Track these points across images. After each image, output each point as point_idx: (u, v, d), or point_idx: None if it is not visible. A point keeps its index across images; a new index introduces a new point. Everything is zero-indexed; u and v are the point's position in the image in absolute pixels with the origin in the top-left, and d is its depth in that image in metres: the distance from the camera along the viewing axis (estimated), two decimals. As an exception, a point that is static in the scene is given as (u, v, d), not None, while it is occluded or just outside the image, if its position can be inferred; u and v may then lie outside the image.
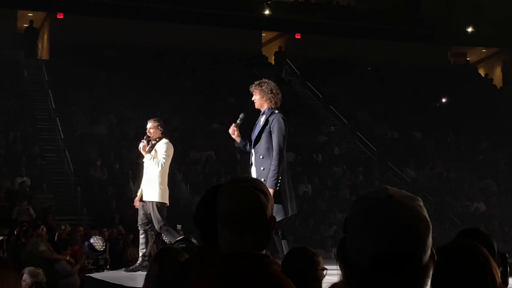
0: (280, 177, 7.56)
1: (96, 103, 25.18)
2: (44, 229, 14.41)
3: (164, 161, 9.54)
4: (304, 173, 23.35)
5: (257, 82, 7.95)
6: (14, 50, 27.72)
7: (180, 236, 13.49)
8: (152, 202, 9.39)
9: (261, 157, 7.69)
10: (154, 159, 9.50)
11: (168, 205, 9.63)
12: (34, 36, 29.40)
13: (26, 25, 29.61)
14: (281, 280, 2.31)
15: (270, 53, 33.22)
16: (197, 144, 23.90)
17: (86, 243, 14.09)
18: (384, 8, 33.95)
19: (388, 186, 1.76)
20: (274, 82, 8.06)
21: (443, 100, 32.39)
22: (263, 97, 7.85)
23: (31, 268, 9.22)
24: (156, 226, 9.39)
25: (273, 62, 32.82)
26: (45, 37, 31.19)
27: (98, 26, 28.56)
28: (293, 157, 24.42)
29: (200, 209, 3.14)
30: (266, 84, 7.90)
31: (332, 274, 4.64)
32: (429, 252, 1.71)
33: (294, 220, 20.14)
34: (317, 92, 30.19)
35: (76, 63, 26.93)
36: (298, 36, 33.30)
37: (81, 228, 15.99)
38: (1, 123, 23.05)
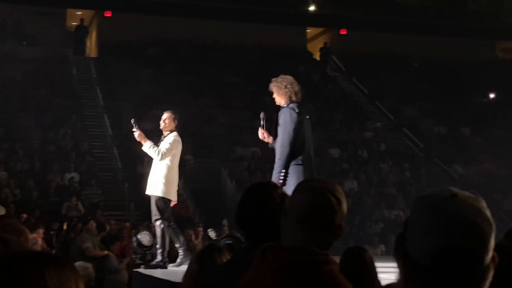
0: (283, 170, 7.43)
1: (143, 100, 25.45)
2: (94, 224, 14.64)
3: (164, 151, 9.06)
4: (350, 170, 23.26)
5: (274, 79, 7.85)
6: (63, 48, 28.18)
7: (225, 232, 13.57)
8: (155, 196, 9.08)
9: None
10: (154, 148, 9.10)
11: (173, 201, 9.27)
12: (84, 34, 29.79)
13: (75, 24, 30.04)
14: (337, 279, 2.35)
15: (315, 49, 33.13)
16: (242, 140, 23.98)
17: (134, 238, 14.24)
18: (430, 2, 33.61)
19: (451, 187, 1.77)
20: (291, 77, 7.89)
21: (491, 95, 31.94)
22: (278, 93, 7.77)
23: (80, 262, 9.41)
24: (152, 218, 9.13)
25: (318, 58, 32.74)
26: (93, 35, 31.59)
27: (145, 24, 28.82)
28: (338, 153, 24.36)
29: (243, 208, 3.11)
30: (281, 79, 7.80)
31: (378, 272, 4.64)
32: (491, 254, 1.71)
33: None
34: (363, 88, 30.03)
35: (123, 60, 27.25)
36: (343, 31, 33.16)
37: (128, 224, 16.17)
38: (51, 120, 23.45)
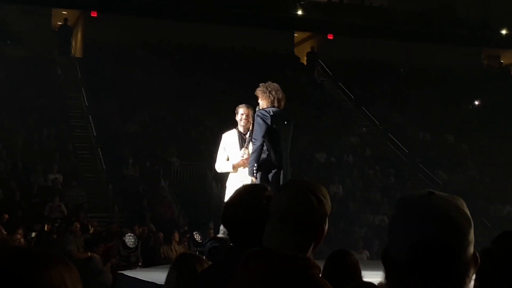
0: (255, 165, 7.65)
1: (129, 102, 25.34)
2: (78, 226, 14.54)
3: None
4: (336, 174, 23.27)
5: (261, 84, 8.14)
6: (48, 48, 28.02)
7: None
8: None
9: None
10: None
11: None
12: (68, 34, 29.65)
13: (60, 23, 29.89)
14: (319, 283, 2.32)
15: (302, 54, 33.16)
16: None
17: (118, 240, 14.17)
18: (417, 9, 33.73)
19: (432, 190, 1.76)
20: (278, 85, 8.11)
21: (476, 102, 32.07)
22: (262, 97, 8.06)
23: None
24: None
25: (305, 63, 32.76)
26: (79, 35, 31.44)
27: (131, 25, 28.70)
28: (324, 157, 24.37)
29: (230, 208, 3.07)
30: (267, 85, 8.07)
31: (364, 276, 4.63)
32: (471, 251, 1.68)
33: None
34: (349, 93, 30.07)
35: (109, 61, 27.14)
36: (330, 36, 33.21)
37: (115, 226, 16.09)
38: (35, 120, 23.29)
